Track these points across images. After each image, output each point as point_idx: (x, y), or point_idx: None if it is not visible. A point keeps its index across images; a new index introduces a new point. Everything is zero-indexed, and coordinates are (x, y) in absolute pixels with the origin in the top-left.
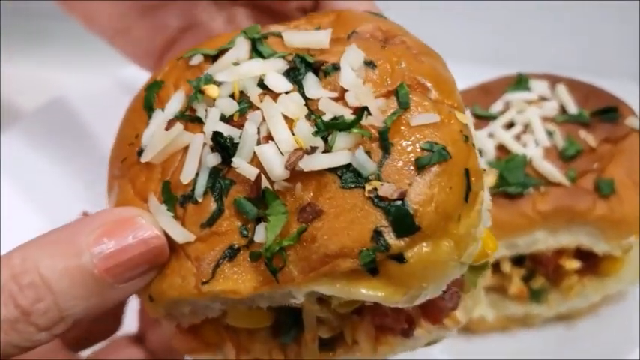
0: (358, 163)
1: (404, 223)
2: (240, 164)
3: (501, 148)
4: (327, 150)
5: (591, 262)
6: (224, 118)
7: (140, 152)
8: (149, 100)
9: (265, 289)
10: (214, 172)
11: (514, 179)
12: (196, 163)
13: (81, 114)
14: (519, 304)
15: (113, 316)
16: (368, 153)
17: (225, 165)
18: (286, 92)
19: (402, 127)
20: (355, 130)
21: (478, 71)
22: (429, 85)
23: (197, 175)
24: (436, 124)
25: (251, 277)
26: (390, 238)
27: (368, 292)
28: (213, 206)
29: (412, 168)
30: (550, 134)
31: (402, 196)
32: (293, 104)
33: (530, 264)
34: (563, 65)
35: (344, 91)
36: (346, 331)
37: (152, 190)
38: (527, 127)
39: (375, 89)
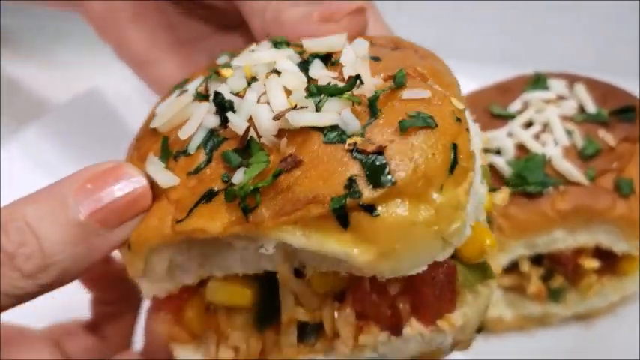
0: (343, 121)
1: (378, 175)
2: (234, 118)
3: (521, 148)
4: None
5: (610, 262)
6: (231, 93)
7: (153, 130)
8: (174, 86)
9: (235, 230)
10: (211, 132)
11: (533, 178)
12: (197, 123)
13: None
14: (537, 304)
15: (121, 336)
16: (355, 116)
17: (223, 127)
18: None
19: (394, 100)
20: (345, 96)
21: (491, 71)
22: (428, 76)
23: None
24: (427, 99)
25: (224, 217)
26: (363, 187)
27: (337, 246)
28: (202, 158)
29: (395, 128)
30: (569, 133)
31: (380, 150)
32: (295, 79)
33: (548, 263)
34: (579, 64)
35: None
36: (325, 320)
37: (152, 150)
38: (546, 127)
39: (375, 73)
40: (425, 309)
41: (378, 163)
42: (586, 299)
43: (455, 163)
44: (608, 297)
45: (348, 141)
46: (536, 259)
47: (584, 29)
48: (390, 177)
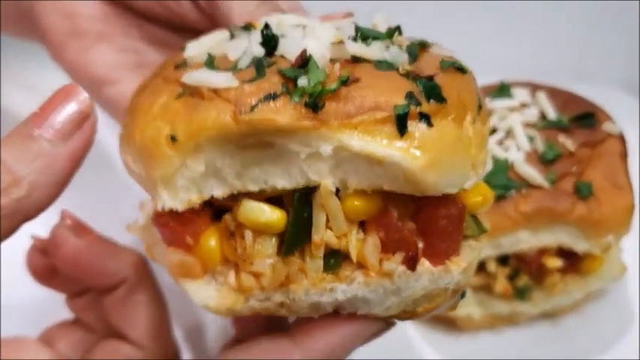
0: (391, 54)
1: (433, 92)
2: (287, 47)
3: None
4: None
5: (573, 261)
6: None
7: (178, 65)
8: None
9: (303, 124)
10: (258, 58)
11: (497, 182)
12: (243, 48)
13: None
14: (505, 303)
15: (101, 320)
16: None
17: (268, 57)
18: None
19: (425, 52)
20: (388, 40)
21: None
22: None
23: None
24: (452, 55)
25: (290, 113)
26: (422, 99)
27: (394, 150)
28: (255, 73)
29: (437, 66)
30: (531, 139)
31: (431, 77)
32: (332, 27)
33: (514, 263)
34: (547, 74)
35: None
36: (352, 246)
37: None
38: (509, 133)
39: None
40: (436, 248)
41: (431, 84)
42: (551, 297)
43: (480, 104)
44: (572, 295)
45: (401, 68)
46: (502, 260)
47: (552, 39)
48: (442, 95)
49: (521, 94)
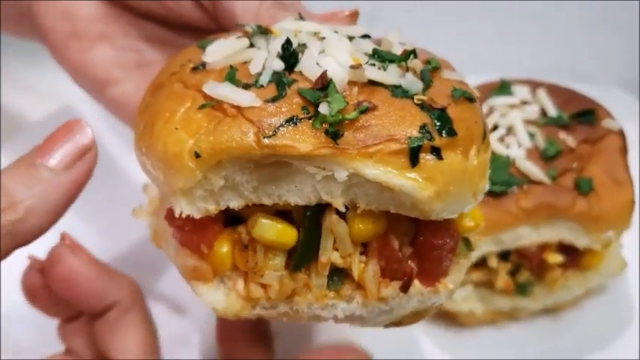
0: (407, 82)
1: (445, 125)
2: (306, 65)
3: None
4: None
5: (574, 257)
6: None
7: (195, 67)
8: (205, 42)
9: (323, 152)
10: (277, 74)
11: (498, 178)
12: (262, 62)
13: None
14: (506, 298)
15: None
16: None
17: (287, 72)
18: None
19: (436, 76)
20: (403, 64)
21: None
22: (448, 65)
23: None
24: (462, 82)
25: (311, 139)
26: (434, 132)
27: (405, 181)
28: (276, 91)
29: (448, 95)
30: (532, 136)
31: (444, 108)
32: (350, 45)
33: (515, 259)
34: (545, 73)
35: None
36: (354, 267)
37: (211, 79)
38: (510, 130)
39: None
40: (429, 271)
41: (444, 117)
42: (552, 293)
43: (485, 133)
44: (573, 290)
45: (415, 97)
46: (504, 255)
47: (552, 39)
48: (453, 129)
49: (521, 92)
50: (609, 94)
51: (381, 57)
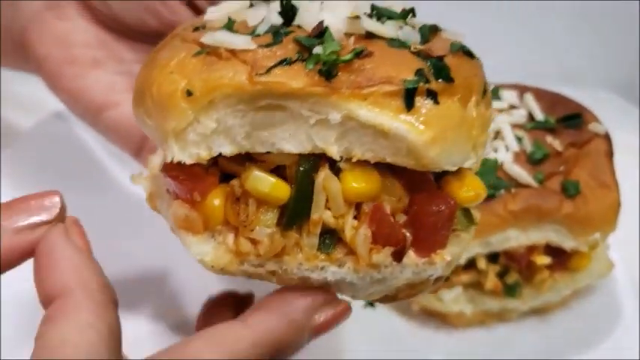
0: (404, 34)
1: (442, 72)
2: (304, 17)
3: None
4: None
5: (561, 258)
6: None
7: (196, 28)
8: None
9: (315, 90)
10: (276, 26)
11: (486, 182)
12: (262, 15)
13: (79, 131)
14: (495, 299)
15: None
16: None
17: (285, 26)
18: None
19: (436, 35)
20: (401, 21)
21: None
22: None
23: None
24: (462, 41)
25: (304, 78)
26: (431, 77)
27: (400, 123)
28: (272, 39)
29: (447, 49)
30: (519, 140)
31: (441, 57)
32: (349, 4)
33: (504, 261)
34: (539, 77)
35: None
36: (347, 228)
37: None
38: (498, 134)
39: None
40: (424, 242)
41: (440, 64)
42: (541, 294)
43: (485, 89)
44: (561, 291)
45: (412, 46)
46: (492, 257)
47: (541, 42)
48: (450, 75)
49: (509, 96)
50: (597, 96)
51: (379, 13)
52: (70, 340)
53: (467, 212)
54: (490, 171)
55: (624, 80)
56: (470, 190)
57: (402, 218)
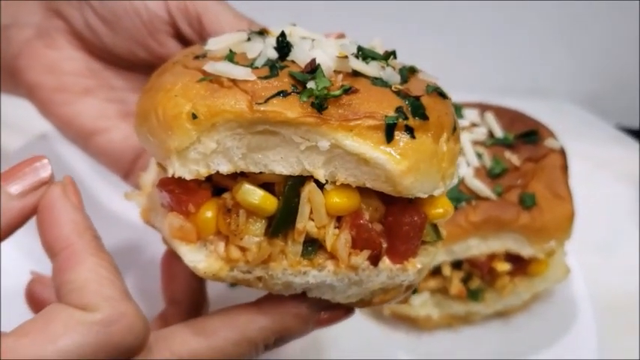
0: (386, 74)
1: (418, 110)
2: (298, 54)
3: None
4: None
5: (520, 265)
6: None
7: (197, 56)
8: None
9: (308, 120)
10: (272, 60)
11: (449, 195)
12: (259, 49)
13: (66, 152)
14: (460, 304)
15: None
16: None
17: (281, 61)
18: None
19: (413, 76)
20: (384, 62)
21: None
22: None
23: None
24: (436, 83)
25: (298, 109)
26: (409, 114)
27: (380, 154)
28: (269, 72)
29: (423, 89)
30: (479, 156)
31: (418, 97)
32: (337, 44)
33: (467, 267)
34: (508, 90)
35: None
36: (328, 237)
37: (211, 61)
38: (460, 151)
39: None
40: (398, 249)
41: (417, 103)
42: (502, 298)
43: (455, 127)
44: (521, 295)
45: (393, 86)
46: (457, 264)
47: (508, 55)
48: (425, 114)
49: (471, 115)
50: (562, 109)
51: (364, 54)
52: (91, 278)
53: (435, 228)
54: (452, 185)
55: (589, 93)
56: (439, 207)
57: (378, 227)
